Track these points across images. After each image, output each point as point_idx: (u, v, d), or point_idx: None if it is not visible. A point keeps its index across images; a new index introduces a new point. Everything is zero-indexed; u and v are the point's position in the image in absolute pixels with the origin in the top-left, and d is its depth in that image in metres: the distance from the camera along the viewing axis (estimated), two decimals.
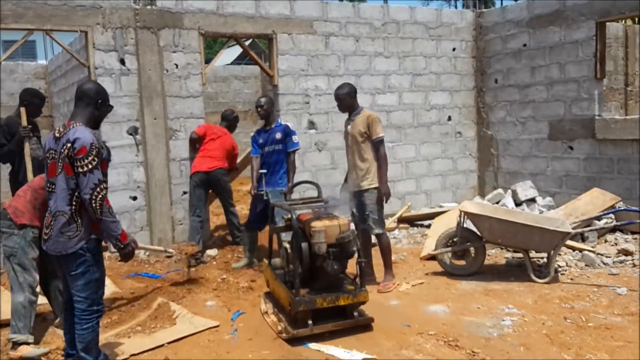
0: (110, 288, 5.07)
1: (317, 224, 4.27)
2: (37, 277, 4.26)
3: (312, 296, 4.24)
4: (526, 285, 5.32)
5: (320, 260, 4.29)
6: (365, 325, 4.37)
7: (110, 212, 3.42)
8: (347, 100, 5.49)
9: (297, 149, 6.28)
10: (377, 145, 5.35)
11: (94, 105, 3.54)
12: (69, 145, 3.35)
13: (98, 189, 3.34)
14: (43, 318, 4.78)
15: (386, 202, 5.46)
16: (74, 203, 3.41)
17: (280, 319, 4.52)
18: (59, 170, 3.42)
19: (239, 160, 7.37)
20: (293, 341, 4.17)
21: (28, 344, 4.14)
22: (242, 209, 9.68)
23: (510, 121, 8.97)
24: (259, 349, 4.09)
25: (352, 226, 4.54)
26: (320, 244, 4.22)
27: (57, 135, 3.47)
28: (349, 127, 5.53)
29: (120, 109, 6.73)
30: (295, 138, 6.20)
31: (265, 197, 5.81)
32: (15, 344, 4.10)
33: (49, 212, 3.51)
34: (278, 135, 6.15)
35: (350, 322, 4.32)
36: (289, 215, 4.53)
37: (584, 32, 7.77)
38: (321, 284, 4.38)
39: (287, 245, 4.60)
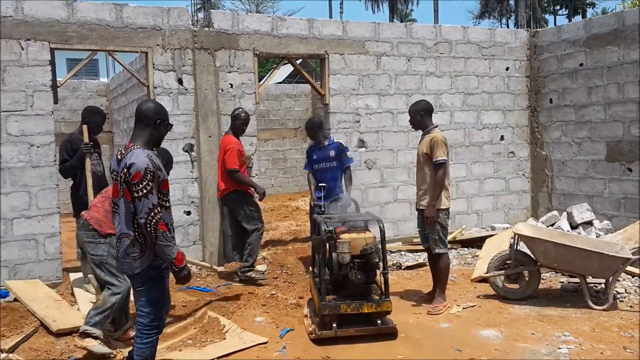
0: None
1: (343, 236, 4.73)
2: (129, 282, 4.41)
3: (337, 302, 4.64)
4: (583, 311, 5.15)
5: (347, 269, 4.67)
6: (389, 334, 4.65)
7: (164, 237, 3.42)
8: (415, 117, 5.56)
9: (353, 163, 6.74)
10: (436, 167, 5.32)
11: (153, 125, 3.58)
12: (125, 170, 3.42)
13: (152, 213, 3.38)
14: None
15: (429, 225, 5.40)
16: (136, 226, 3.47)
17: (313, 321, 4.87)
18: (121, 193, 3.50)
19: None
20: (319, 342, 4.55)
21: (96, 338, 4.30)
22: (291, 225, 9.79)
23: (566, 141, 8.76)
24: None
25: (378, 240, 4.78)
26: (344, 254, 4.63)
27: (119, 157, 3.55)
28: (418, 145, 5.58)
29: (177, 127, 6.93)
30: (349, 154, 6.68)
31: (323, 209, 5.88)
32: (84, 334, 4.28)
33: (116, 232, 3.62)
34: (332, 153, 6.56)
35: (373, 329, 4.63)
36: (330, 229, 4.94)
37: None
38: (348, 292, 4.76)
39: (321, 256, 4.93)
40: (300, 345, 4.57)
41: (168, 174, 4.79)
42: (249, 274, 6.30)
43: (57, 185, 6.36)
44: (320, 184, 6.34)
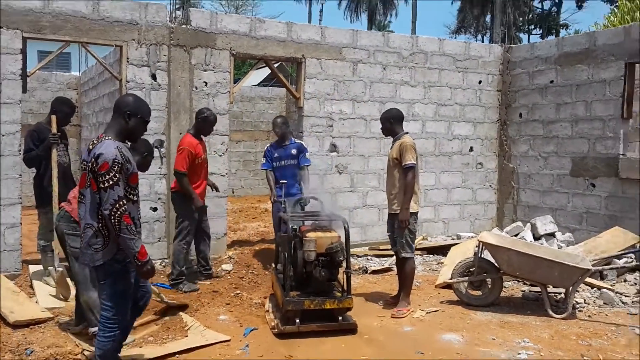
0: None
1: (310, 235, 4.85)
2: None
3: (301, 298, 4.76)
4: (543, 319, 5.24)
5: (312, 267, 4.82)
6: (349, 329, 4.81)
7: (128, 229, 3.36)
8: (386, 124, 5.65)
9: (310, 165, 6.85)
10: (405, 171, 5.38)
11: (122, 116, 3.55)
12: (93, 160, 3.39)
13: (117, 205, 3.34)
14: (57, 321, 4.84)
15: (399, 229, 5.45)
16: (100, 217, 3.43)
17: (276, 316, 4.98)
18: (88, 183, 3.46)
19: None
20: (282, 337, 4.65)
21: None
22: (259, 226, 9.77)
23: (533, 155, 8.94)
24: None
25: (343, 239, 4.91)
26: (309, 252, 4.78)
27: (90, 147, 3.51)
28: (389, 151, 5.67)
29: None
30: (307, 155, 6.88)
31: (283, 206, 6.00)
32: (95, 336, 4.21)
33: (81, 223, 3.55)
34: (293, 152, 6.82)
35: (334, 325, 4.79)
36: (294, 227, 5.07)
37: (613, 71, 7.77)
38: (311, 288, 4.90)
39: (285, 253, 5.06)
40: (264, 344, 4.55)
41: (149, 165, 4.78)
42: (179, 286, 5.97)
43: (20, 175, 6.23)
44: (280, 181, 6.48)
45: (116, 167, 3.36)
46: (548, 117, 8.71)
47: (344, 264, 4.89)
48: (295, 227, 5.10)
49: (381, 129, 5.78)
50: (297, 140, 7.01)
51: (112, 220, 3.33)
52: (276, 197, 6.59)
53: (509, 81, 9.31)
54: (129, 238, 3.38)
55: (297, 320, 4.71)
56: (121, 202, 3.36)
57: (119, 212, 3.34)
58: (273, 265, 5.80)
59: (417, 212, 5.52)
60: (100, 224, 3.44)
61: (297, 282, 4.93)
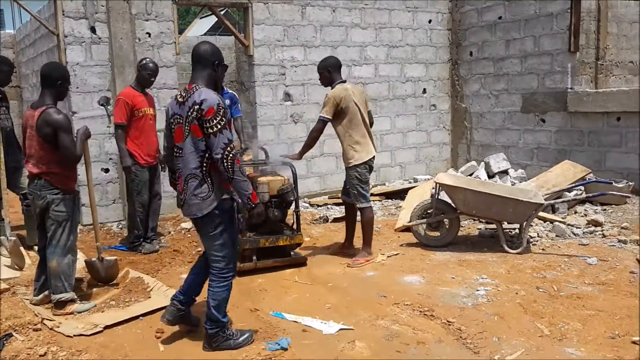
0: (82, 262, 4.99)
1: (262, 179, 5.16)
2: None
3: (256, 237, 5.09)
4: (499, 255, 5.41)
5: (264, 208, 4.81)
6: (300, 263, 5.28)
7: (242, 172, 3.40)
8: (323, 73, 5.39)
9: (241, 115, 6.93)
10: (317, 122, 5.28)
11: (211, 67, 3.53)
12: (196, 107, 3.35)
13: (228, 149, 3.33)
14: (13, 292, 4.71)
15: (351, 179, 5.36)
16: (204, 165, 3.42)
17: None
18: (186, 133, 3.43)
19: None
20: (240, 274, 4.82)
21: (74, 300, 4.30)
22: None
23: (484, 94, 9.03)
24: (236, 322, 4.08)
25: (291, 182, 5.21)
26: (263, 194, 5.05)
27: (180, 99, 3.47)
28: None
29: (91, 79, 6.56)
30: (239, 106, 6.91)
31: None
32: (60, 303, 4.24)
33: (181, 176, 3.54)
34: (227, 102, 6.62)
35: (287, 260, 5.23)
36: None
37: (559, 5, 7.81)
38: (265, 228, 5.19)
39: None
40: (230, 300, 4.53)
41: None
42: (137, 248, 5.83)
43: None
44: None
45: (221, 111, 3.37)
46: (498, 54, 8.75)
47: (294, 205, 5.25)
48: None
49: (319, 79, 5.49)
50: (230, 91, 6.98)
51: (225, 164, 3.33)
52: None
53: (459, 19, 9.27)
54: (242, 180, 3.40)
55: (254, 258, 5.07)
56: (231, 146, 3.36)
57: (230, 155, 3.34)
58: None
59: (367, 160, 5.32)
60: (203, 172, 3.43)
61: (251, 223, 5.11)
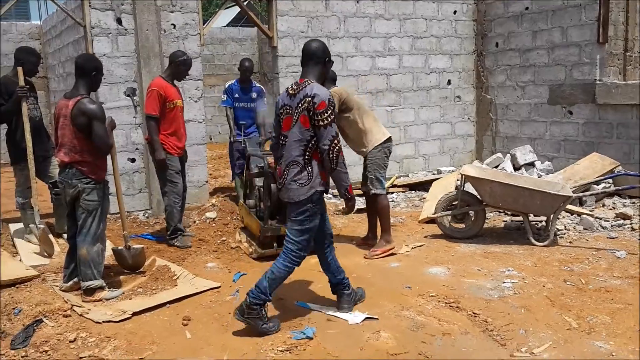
0: (110, 250, 5.06)
1: None
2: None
3: (277, 225, 5.26)
4: (525, 248, 5.36)
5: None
6: None
7: (344, 164, 3.71)
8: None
9: (265, 109, 7.18)
10: None
11: (322, 63, 3.82)
12: (308, 99, 3.63)
13: (335, 141, 3.64)
14: (43, 279, 4.80)
15: (372, 164, 5.35)
16: (306, 154, 3.70)
17: (251, 244, 5.53)
18: (294, 122, 3.71)
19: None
20: (262, 259, 5.23)
21: (103, 288, 4.41)
22: None
23: (510, 85, 8.91)
24: None
25: None
26: None
27: (291, 92, 3.78)
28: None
29: (117, 70, 6.62)
30: (266, 100, 7.32)
31: (243, 145, 6.33)
32: (90, 290, 4.34)
33: (282, 162, 3.82)
34: (254, 95, 7.28)
35: None
36: (262, 164, 5.49)
37: None
38: (283, 216, 5.10)
39: (261, 189, 5.60)
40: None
41: None
42: (172, 240, 5.75)
43: None
44: (240, 122, 7.11)
45: (331, 106, 3.67)
46: (524, 45, 8.63)
47: None
48: (263, 164, 5.50)
49: None
50: (257, 84, 7.42)
51: (330, 155, 3.64)
52: (235, 137, 7.10)
53: (484, 10, 9.15)
54: (343, 172, 3.73)
55: (275, 244, 5.26)
56: (338, 139, 3.67)
57: (337, 147, 3.65)
58: (241, 201, 6.27)
59: (388, 145, 5.36)
60: (305, 161, 3.70)
61: (272, 212, 5.36)
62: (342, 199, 3.92)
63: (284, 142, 3.79)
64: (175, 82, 5.82)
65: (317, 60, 3.79)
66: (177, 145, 5.73)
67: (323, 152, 3.64)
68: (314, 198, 3.73)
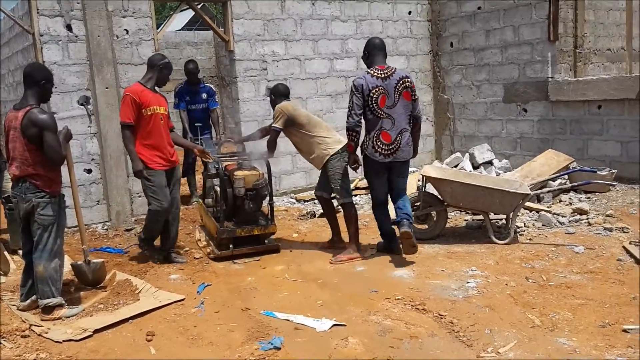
0: (68, 265, 4.90)
1: (238, 173, 5.47)
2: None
3: (234, 227, 5.48)
4: (487, 247, 5.44)
5: (240, 200, 5.48)
6: (273, 250, 5.62)
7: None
8: (270, 97, 5.78)
9: (217, 107, 7.76)
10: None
11: (385, 53, 5.12)
12: (407, 80, 5.01)
13: (420, 108, 5.18)
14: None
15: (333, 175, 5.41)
16: (410, 122, 5.08)
17: (209, 244, 5.75)
18: (396, 99, 4.95)
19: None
20: (218, 260, 5.44)
21: (62, 305, 4.27)
22: (199, 180, 9.52)
23: (466, 85, 9.05)
24: (227, 321, 4.05)
25: (265, 176, 5.59)
26: (240, 188, 5.40)
27: (381, 75, 4.94)
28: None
29: (69, 78, 6.44)
30: (216, 98, 7.76)
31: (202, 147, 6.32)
32: (48, 308, 4.19)
33: (384, 131, 4.97)
34: (204, 96, 7.56)
35: (261, 247, 5.57)
36: (217, 166, 5.67)
37: None
38: (241, 218, 5.59)
39: (217, 189, 5.84)
40: (219, 299, 4.50)
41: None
42: (141, 244, 5.53)
43: None
44: (195, 124, 7.26)
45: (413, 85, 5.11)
46: (478, 44, 8.78)
47: (268, 197, 5.66)
48: (217, 167, 5.64)
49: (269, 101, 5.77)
50: (206, 84, 7.79)
51: (421, 119, 5.23)
52: (192, 139, 7.15)
53: (438, 10, 9.27)
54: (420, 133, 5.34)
55: (231, 246, 5.44)
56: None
57: (422, 112, 5.37)
58: (200, 200, 6.80)
59: (343, 153, 5.36)
60: (410, 127, 5.10)
61: (228, 214, 5.58)
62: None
63: (382, 116, 4.91)
64: (157, 88, 5.34)
65: (385, 51, 5.09)
66: (159, 157, 5.23)
67: (419, 118, 5.11)
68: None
